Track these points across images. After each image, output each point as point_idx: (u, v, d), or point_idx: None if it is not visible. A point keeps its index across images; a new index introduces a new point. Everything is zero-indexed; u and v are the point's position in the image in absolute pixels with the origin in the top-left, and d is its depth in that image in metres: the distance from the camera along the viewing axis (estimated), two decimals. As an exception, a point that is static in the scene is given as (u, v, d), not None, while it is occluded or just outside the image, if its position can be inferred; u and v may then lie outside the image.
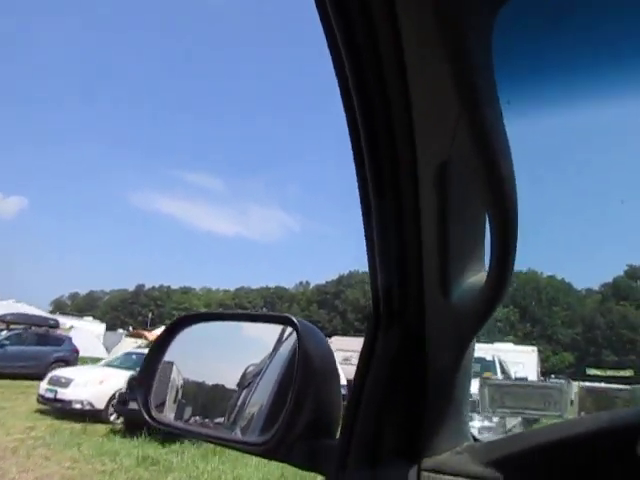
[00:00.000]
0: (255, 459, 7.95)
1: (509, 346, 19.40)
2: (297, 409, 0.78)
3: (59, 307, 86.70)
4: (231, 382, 0.99)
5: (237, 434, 0.92)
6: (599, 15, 0.58)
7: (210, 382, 1.03)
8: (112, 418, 10.89)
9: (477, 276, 0.68)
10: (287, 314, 0.89)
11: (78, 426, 10.23)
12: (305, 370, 0.79)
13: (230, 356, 1.06)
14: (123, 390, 10.37)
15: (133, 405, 9.49)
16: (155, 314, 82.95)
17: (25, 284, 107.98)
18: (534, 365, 20.58)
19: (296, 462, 0.80)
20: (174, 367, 1.01)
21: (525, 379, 14.28)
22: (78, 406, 11.10)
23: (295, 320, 0.85)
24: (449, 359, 0.72)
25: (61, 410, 11.19)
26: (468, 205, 0.65)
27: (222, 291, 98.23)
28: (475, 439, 0.78)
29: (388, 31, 0.57)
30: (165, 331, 0.99)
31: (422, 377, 0.74)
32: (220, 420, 0.98)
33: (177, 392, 1.02)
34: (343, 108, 0.65)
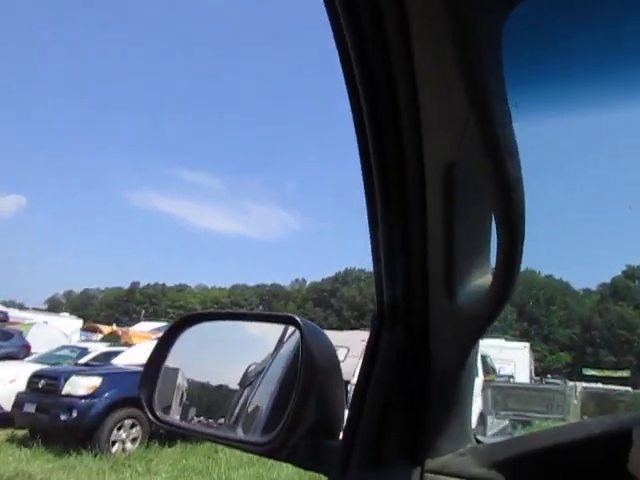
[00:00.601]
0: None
1: (499, 342, 18.17)
2: (300, 409, 0.78)
3: (54, 305, 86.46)
4: (233, 382, 1.00)
5: (239, 433, 0.93)
6: (611, 21, 0.58)
7: (212, 382, 1.04)
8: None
9: (482, 279, 0.68)
10: (290, 314, 0.89)
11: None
12: (308, 370, 0.79)
13: (232, 356, 1.07)
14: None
15: (29, 408, 8.24)
16: (149, 312, 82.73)
17: (21, 282, 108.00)
18: (526, 362, 19.14)
19: (299, 462, 0.81)
20: (179, 371, 1.02)
21: (511, 377, 14.17)
22: (-19, 408, 9.01)
23: (299, 320, 0.85)
24: (453, 360, 0.73)
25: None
26: (475, 207, 0.66)
27: (218, 289, 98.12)
28: (478, 441, 0.79)
29: (397, 30, 0.57)
30: (168, 331, 0.99)
31: (426, 378, 0.74)
32: (222, 420, 0.99)
33: (182, 395, 1.02)
34: (350, 108, 0.65)
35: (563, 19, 0.58)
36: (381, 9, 0.57)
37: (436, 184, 0.64)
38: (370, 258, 0.75)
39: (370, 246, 0.73)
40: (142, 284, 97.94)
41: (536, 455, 0.64)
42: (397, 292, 0.73)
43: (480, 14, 0.50)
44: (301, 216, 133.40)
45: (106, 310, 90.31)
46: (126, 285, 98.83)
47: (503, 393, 9.34)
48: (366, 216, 0.72)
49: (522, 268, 0.63)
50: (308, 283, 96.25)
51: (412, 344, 0.74)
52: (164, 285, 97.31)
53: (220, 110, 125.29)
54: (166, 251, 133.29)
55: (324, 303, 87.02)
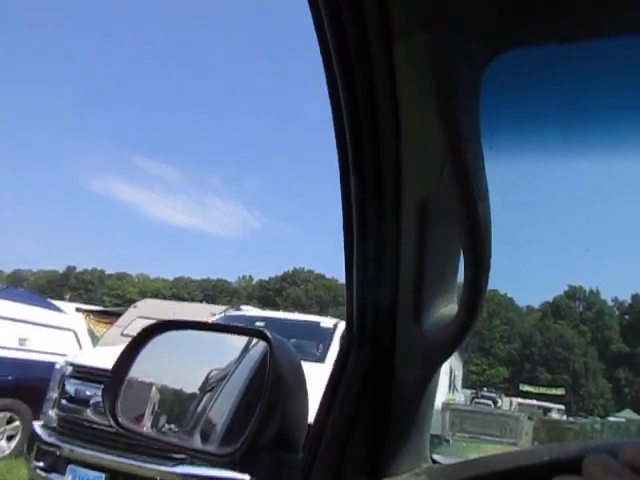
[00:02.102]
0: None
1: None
2: (264, 422, 0.81)
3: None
4: (197, 388, 1.02)
5: (198, 441, 0.95)
6: (582, 76, 0.64)
7: (181, 388, 1.06)
8: None
9: (448, 307, 0.74)
10: (261, 328, 0.92)
11: None
12: (275, 385, 0.82)
13: (198, 362, 1.09)
14: None
15: None
16: (84, 298, 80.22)
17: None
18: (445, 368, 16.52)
19: (259, 476, 0.84)
20: (154, 384, 1.04)
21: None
22: None
23: (269, 334, 0.88)
24: (415, 383, 0.78)
25: None
26: (444, 241, 0.72)
27: (160, 280, 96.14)
28: (434, 461, 0.84)
29: (384, 75, 0.62)
30: (135, 338, 1.00)
31: (388, 399, 0.79)
32: (184, 426, 1.01)
33: (154, 405, 1.04)
34: (335, 140, 0.70)
35: (540, 70, 0.64)
36: (370, 55, 0.61)
37: (411, 218, 0.70)
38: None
39: (344, 270, 0.77)
40: (79, 269, 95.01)
41: (489, 478, 0.69)
42: (367, 315, 0.77)
43: (463, 63, 0.56)
44: (262, 215, 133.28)
45: (37, 294, 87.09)
46: (61, 269, 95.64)
47: (461, 416, 9.75)
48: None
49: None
50: (255, 281, 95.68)
51: (378, 365, 0.78)
52: (102, 272, 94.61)
53: (186, 102, 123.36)
54: (114, 239, 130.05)
55: (270, 302, 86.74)
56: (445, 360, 0.75)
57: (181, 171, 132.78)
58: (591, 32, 0.55)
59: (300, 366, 0.88)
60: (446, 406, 9.68)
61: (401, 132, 0.65)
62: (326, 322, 5.93)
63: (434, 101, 0.57)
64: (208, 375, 1.01)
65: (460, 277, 0.75)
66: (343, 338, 0.81)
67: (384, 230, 0.72)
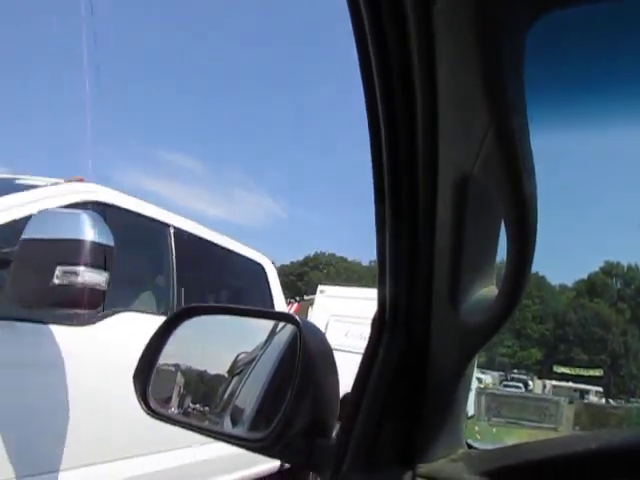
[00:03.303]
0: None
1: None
2: (296, 408, 0.83)
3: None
4: (223, 370, 1.05)
5: (229, 425, 0.97)
6: (633, 39, 0.62)
7: (208, 371, 1.09)
8: None
9: (487, 289, 0.73)
10: (289, 312, 0.93)
11: None
12: (306, 370, 0.84)
13: (226, 346, 1.11)
14: None
15: None
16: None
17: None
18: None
19: (292, 460, 0.85)
20: (178, 363, 1.06)
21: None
22: None
23: (298, 319, 0.89)
24: (451, 368, 0.78)
25: None
26: (483, 220, 0.70)
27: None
28: (469, 446, 0.84)
29: (420, 39, 0.59)
30: (165, 323, 1.02)
31: (423, 384, 0.79)
32: (213, 409, 1.04)
33: (180, 386, 1.07)
34: (366, 115, 0.68)
35: (586, 33, 0.61)
36: (405, 14, 0.59)
37: (448, 196, 0.68)
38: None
39: (376, 250, 0.77)
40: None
41: (531, 466, 0.68)
42: (400, 298, 0.77)
43: (506, 24, 0.53)
44: (287, 204, 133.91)
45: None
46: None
47: (497, 400, 9.72)
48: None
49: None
50: (279, 266, 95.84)
51: (411, 350, 0.78)
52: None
53: (206, 93, 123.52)
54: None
55: (292, 287, 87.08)
56: (483, 345, 0.74)
57: (205, 163, 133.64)
58: None
59: (331, 350, 0.89)
60: (481, 390, 9.63)
61: (438, 102, 0.63)
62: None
63: (475, 67, 0.55)
64: (236, 358, 1.04)
65: (497, 258, 0.75)
66: (374, 322, 0.81)
67: (419, 207, 0.71)
